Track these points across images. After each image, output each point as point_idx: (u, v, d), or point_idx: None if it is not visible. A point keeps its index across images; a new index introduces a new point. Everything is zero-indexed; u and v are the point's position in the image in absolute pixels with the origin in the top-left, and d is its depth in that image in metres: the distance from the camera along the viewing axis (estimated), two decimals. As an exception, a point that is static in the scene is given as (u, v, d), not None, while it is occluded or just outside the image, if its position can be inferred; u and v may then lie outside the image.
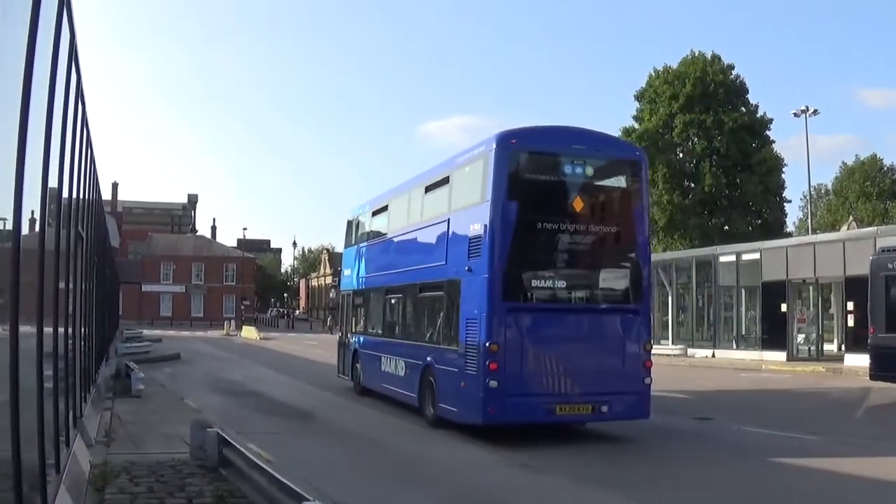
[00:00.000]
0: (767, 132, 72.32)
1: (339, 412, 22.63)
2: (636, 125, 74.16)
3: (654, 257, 56.29)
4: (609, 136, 19.86)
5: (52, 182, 7.91)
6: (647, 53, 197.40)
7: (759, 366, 37.59)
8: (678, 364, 41.00)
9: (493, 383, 16.36)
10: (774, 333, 40.12)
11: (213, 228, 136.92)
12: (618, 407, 17.15)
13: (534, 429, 17.35)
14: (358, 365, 26.07)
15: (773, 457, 15.11)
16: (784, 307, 39.85)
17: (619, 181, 18.82)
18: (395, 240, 23.96)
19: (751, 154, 70.02)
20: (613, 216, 18.57)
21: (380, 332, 24.58)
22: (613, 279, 17.98)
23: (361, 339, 26.17)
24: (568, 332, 17.46)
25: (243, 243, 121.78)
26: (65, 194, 9.79)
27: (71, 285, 11.56)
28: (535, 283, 17.31)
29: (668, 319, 49.23)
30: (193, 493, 11.09)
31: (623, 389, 17.16)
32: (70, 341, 11.45)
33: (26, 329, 6.26)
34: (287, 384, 30.78)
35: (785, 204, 74.64)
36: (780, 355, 38.54)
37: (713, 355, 43.35)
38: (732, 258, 44.88)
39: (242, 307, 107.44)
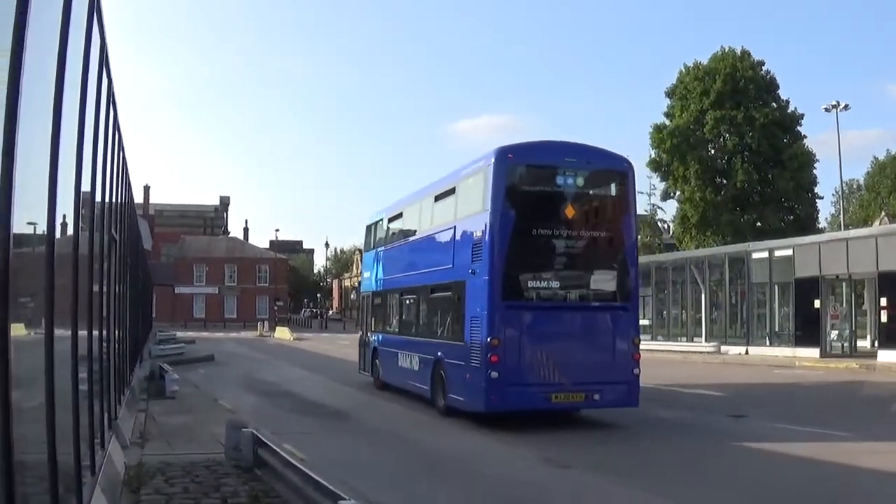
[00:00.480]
0: (798, 128, 71.82)
1: (368, 410, 22.87)
2: (667, 122, 73.86)
3: (688, 254, 56.67)
4: (598, 148, 21.00)
5: (86, 186, 7.97)
6: (677, 50, 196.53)
7: (793, 362, 37.32)
8: (711, 361, 40.85)
9: (495, 374, 18.09)
10: (807, 330, 39.78)
11: (246, 230, 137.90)
12: (609, 395, 18.83)
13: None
14: (377, 361, 27.68)
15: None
16: (817, 303, 39.52)
17: (609, 190, 20.64)
18: (409, 244, 26.02)
19: (782, 150, 69.56)
20: (603, 222, 20.24)
21: (397, 330, 26.37)
22: (603, 280, 19.68)
23: (380, 337, 27.80)
24: (562, 328, 19.22)
25: (276, 244, 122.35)
26: (98, 198, 9.87)
27: (105, 288, 11.63)
28: (531, 283, 19.05)
29: (701, 317, 48.90)
30: (228, 493, 11.13)
31: (613, 379, 18.77)
32: (104, 344, 11.51)
33: (61, 332, 6.31)
34: (320, 384, 30.86)
35: (817, 200, 74.06)
36: (814, 352, 38.27)
37: (746, 352, 43.03)
38: (765, 255, 44.51)
39: (276, 308, 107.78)
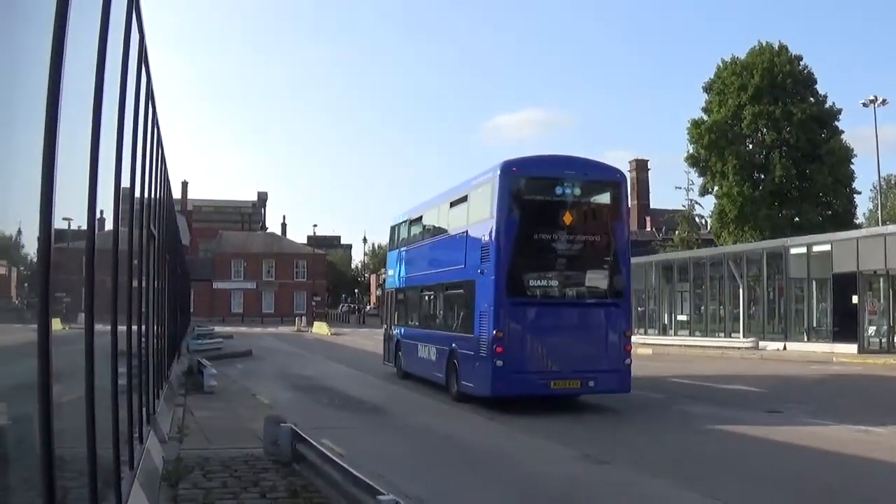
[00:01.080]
0: (836, 122, 71.39)
1: (402, 403, 23.11)
2: (705, 117, 73.55)
3: (725, 249, 56.48)
4: (594, 161, 23.85)
5: (125, 182, 8.01)
6: (715, 44, 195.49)
7: (830, 358, 37.07)
8: (749, 357, 40.60)
9: (500, 363, 20.41)
10: (845, 326, 39.54)
11: (284, 225, 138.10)
12: (602, 383, 21.03)
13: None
14: (400, 353, 29.99)
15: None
16: (855, 299, 39.24)
17: (603, 198, 22.76)
18: (428, 245, 28.50)
19: (820, 145, 69.15)
20: (598, 227, 22.32)
21: (417, 323, 28.65)
22: (598, 279, 21.92)
23: (402, 330, 30.13)
24: (560, 322, 21.43)
25: (313, 240, 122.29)
26: (137, 194, 9.91)
27: (143, 283, 11.69)
28: (532, 282, 21.43)
29: (739, 312, 48.62)
30: (267, 487, 11.17)
31: (607, 368, 20.99)
32: (143, 339, 11.57)
33: (101, 327, 6.35)
34: (357, 378, 31.00)
35: (854, 195, 73.47)
36: (852, 348, 37.97)
37: (784, 348, 42.70)
38: (803, 250, 44.28)
39: (313, 303, 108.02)
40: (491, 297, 20.94)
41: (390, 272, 33.86)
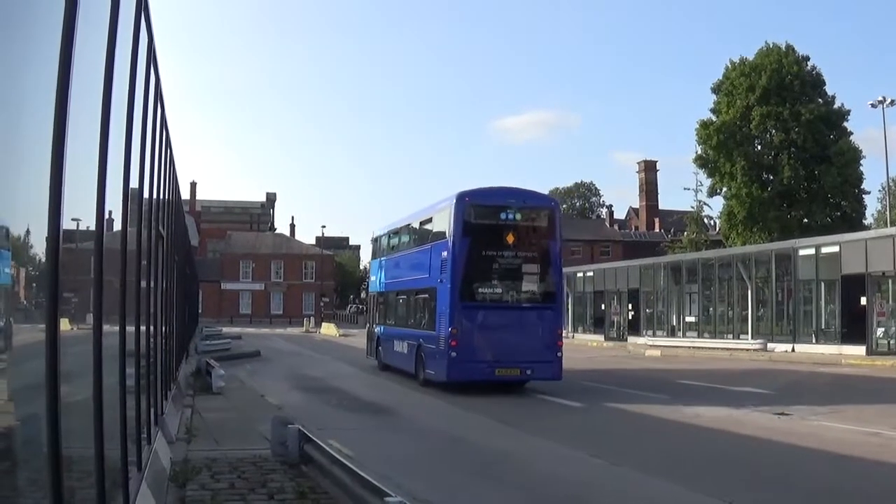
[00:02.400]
0: (845, 123, 71.46)
1: (410, 406, 23.08)
2: (714, 118, 73.57)
3: (734, 251, 56.64)
4: (532, 192, 28.94)
5: (134, 182, 8.01)
6: (722, 45, 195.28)
7: (839, 360, 37.04)
8: (758, 359, 40.55)
9: (454, 354, 24.99)
10: (854, 327, 39.46)
11: (292, 226, 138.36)
12: (538, 371, 25.61)
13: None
14: (380, 348, 34.84)
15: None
16: (863, 301, 39.15)
17: (540, 222, 27.11)
18: (402, 256, 33.29)
19: (828, 146, 69.22)
20: (535, 245, 26.59)
21: (393, 323, 33.26)
22: (535, 287, 26.32)
23: (382, 329, 34.98)
24: (504, 322, 25.82)
25: (322, 241, 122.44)
26: (145, 194, 9.92)
27: (152, 284, 11.70)
28: (481, 289, 25.91)
29: (747, 314, 48.64)
30: (275, 489, 11.15)
31: (542, 359, 25.40)
32: (151, 339, 11.58)
33: (109, 327, 6.35)
34: (365, 380, 31.11)
35: (863, 196, 73.49)
36: (860, 349, 37.91)
37: (793, 349, 42.66)
38: (811, 251, 44.28)
39: (322, 304, 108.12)
40: (448, 301, 25.56)
41: (372, 278, 39.55)
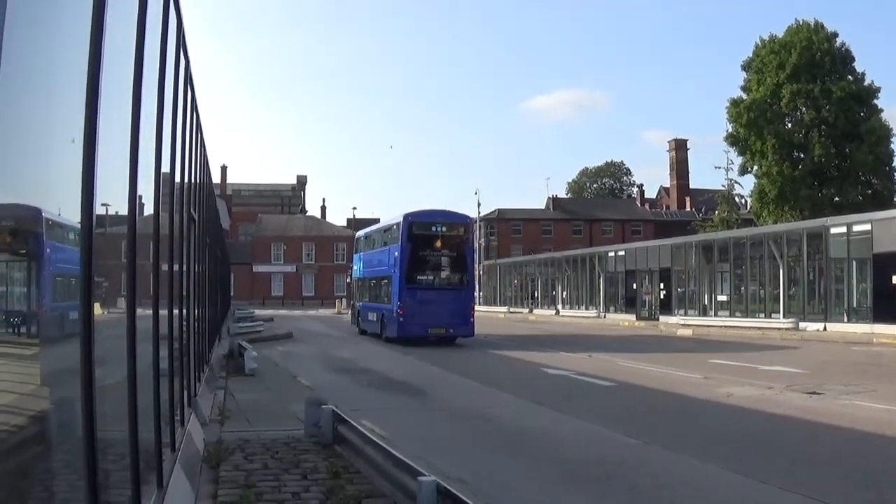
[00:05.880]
0: (875, 101, 70.81)
1: (439, 382, 22.79)
2: (744, 96, 73.09)
3: (765, 229, 56.36)
4: (454, 213, 41.43)
5: (165, 167, 8.05)
6: (752, 23, 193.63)
7: (871, 339, 36.71)
8: (790, 338, 40.25)
9: (402, 319, 37.33)
10: (885, 306, 38.90)
11: (323, 208, 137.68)
12: (457, 330, 37.92)
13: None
14: (359, 318, 46.76)
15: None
16: (895, 279, 38.76)
17: (458, 232, 39.70)
18: (372, 253, 45.50)
19: (859, 123, 68.65)
20: (455, 248, 39.01)
21: (368, 299, 45.29)
22: (454, 276, 38.93)
23: (361, 303, 47.18)
24: (435, 298, 37.68)
25: (353, 222, 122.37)
26: (177, 178, 9.97)
27: (184, 267, 11.74)
28: (419, 277, 38.23)
29: (779, 293, 48.35)
30: (308, 469, 11.16)
31: (460, 322, 37.93)
32: (184, 322, 11.62)
33: (142, 311, 6.40)
34: (395, 359, 31.04)
35: (894, 174, 72.79)
36: (892, 328, 37.42)
37: (825, 328, 42.35)
38: (843, 230, 43.77)
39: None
40: (398, 285, 37.91)
41: (354, 267, 51.43)
